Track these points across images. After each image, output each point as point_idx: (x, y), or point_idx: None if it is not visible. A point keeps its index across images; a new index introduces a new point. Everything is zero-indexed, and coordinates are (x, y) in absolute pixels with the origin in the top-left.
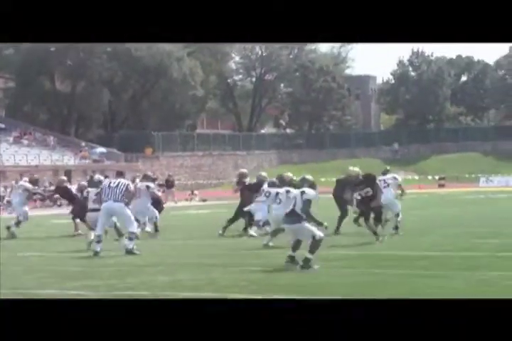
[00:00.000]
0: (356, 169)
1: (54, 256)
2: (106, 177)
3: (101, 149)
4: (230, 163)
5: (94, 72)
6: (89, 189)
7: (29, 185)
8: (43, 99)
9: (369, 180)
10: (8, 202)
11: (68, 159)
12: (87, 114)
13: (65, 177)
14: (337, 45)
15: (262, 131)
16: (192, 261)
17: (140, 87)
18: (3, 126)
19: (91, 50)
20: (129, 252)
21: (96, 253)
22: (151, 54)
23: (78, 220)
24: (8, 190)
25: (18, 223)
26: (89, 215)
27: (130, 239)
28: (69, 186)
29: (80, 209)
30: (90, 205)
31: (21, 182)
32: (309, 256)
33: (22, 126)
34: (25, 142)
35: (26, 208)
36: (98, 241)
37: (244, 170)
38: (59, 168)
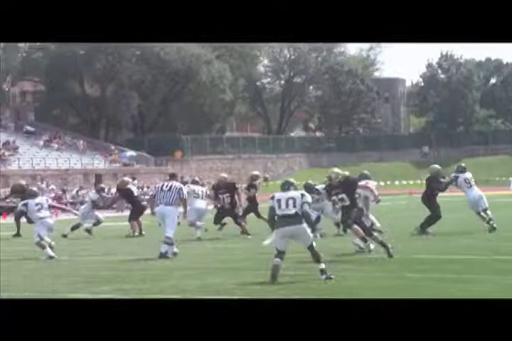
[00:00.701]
0: (336, 170)
1: (85, 260)
2: (134, 179)
3: (131, 153)
4: (260, 166)
5: (124, 76)
6: (29, 200)
7: (95, 196)
8: (72, 103)
9: (347, 184)
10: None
11: (98, 163)
12: (117, 118)
13: (127, 179)
14: (365, 47)
15: (292, 134)
16: (221, 265)
17: (169, 91)
18: (33, 129)
19: (120, 54)
20: (162, 256)
21: (162, 255)
22: (179, 57)
23: (135, 222)
24: (40, 193)
25: (94, 225)
26: (40, 222)
27: (166, 243)
28: (132, 187)
29: (140, 211)
30: (37, 214)
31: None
32: (323, 266)
33: (52, 129)
34: (56, 146)
35: (96, 213)
36: (169, 243)
37: (257, 172)
38: (89, 172)
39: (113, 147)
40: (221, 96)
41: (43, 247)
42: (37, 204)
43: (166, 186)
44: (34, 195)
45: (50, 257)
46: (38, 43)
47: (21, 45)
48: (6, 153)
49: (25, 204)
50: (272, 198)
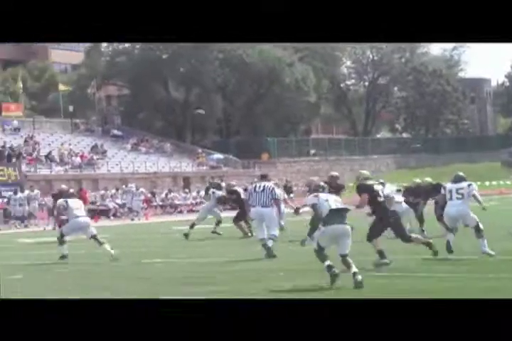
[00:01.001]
0: (428, 179)
1: (177, 262)
2: (221, 181)
3: (218, 155)
4: (347, 167)
5: (207, 79)
6: (68, 199)
7: (219, 193)
8: (157, 107)
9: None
10: (130, 209)
11: (186, 166)
12: (202, 121)
13: (234, 182)
14: (449, 47)
15: (378, 136)
16: (309, 267)
17: (253, 93)
18: (120, 133)
19: (203, 57)
20: (265, 246)
21: (270, 255)
22: (262, 59)
23: (242, 223)
24: (129, 196)
25: (217, 223)
26: (74, 221)
27: (271, 239)
28: (238, 189)
29: (245, 213)
30: (74, 212)
31: (215, 191)
32: (355, 269)
33: (138, 133)
34: (143, 149)
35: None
36: (264, 245)
37: (336, 173)
38: (177, 175)
39: (200, 150)
40: (305, 98)
41: (60, 243)
42: (76, 203)
43: (259, 187)
44: (69, 196)
45: (62, 256)
46: (120, 47)
47: (104, 49)
48: (95, 157)
49: (66, 201)
50: (316, 196)
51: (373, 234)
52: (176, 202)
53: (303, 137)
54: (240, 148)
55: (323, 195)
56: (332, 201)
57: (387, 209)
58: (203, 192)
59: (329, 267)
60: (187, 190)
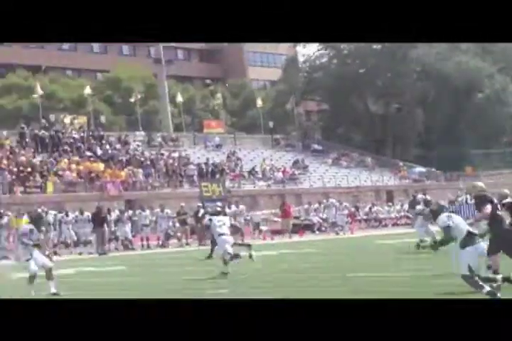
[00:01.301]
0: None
1: (384, 276)
2: (424, 194)
3: (420, 169)
4: None
5: (406, 92)
6: (213, 217)
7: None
8: (356, 121)
9: None
10: (334, 223)
11: (388, 179)
12: (402, 134)
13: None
14: None
15: None
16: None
17: (453, 105)
18: (320, 148)
19: (400, 70)
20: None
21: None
22: (460, 71)
23: None
24: (332, 211)
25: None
26: (220, 239)
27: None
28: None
29: None
30: (217, 229)
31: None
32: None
33: (338, 147)
34: (344, 163)
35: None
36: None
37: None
38: (380, 189)
39: (401, 163)
40: (506, 110)
41: (225, 263)
42: (219, 221)
43: (471, 200)
44: (217, 213)
45: (223, 273)
46: (318, 62)
47: (301, 65)
48: (296, 172)
49: (210, 220)
50: (449, 217)
51: (492, 249)
52: (380, 215)
53: (506, 149)
54: (441, 160)
55: (454, 216)
56: (463, 223)
57: (504, 225)
58: (406, 206)
59: (491, 293)
60: (390, 204)
